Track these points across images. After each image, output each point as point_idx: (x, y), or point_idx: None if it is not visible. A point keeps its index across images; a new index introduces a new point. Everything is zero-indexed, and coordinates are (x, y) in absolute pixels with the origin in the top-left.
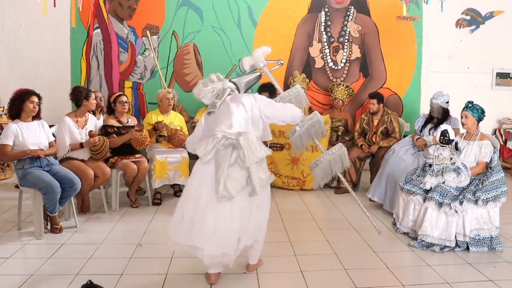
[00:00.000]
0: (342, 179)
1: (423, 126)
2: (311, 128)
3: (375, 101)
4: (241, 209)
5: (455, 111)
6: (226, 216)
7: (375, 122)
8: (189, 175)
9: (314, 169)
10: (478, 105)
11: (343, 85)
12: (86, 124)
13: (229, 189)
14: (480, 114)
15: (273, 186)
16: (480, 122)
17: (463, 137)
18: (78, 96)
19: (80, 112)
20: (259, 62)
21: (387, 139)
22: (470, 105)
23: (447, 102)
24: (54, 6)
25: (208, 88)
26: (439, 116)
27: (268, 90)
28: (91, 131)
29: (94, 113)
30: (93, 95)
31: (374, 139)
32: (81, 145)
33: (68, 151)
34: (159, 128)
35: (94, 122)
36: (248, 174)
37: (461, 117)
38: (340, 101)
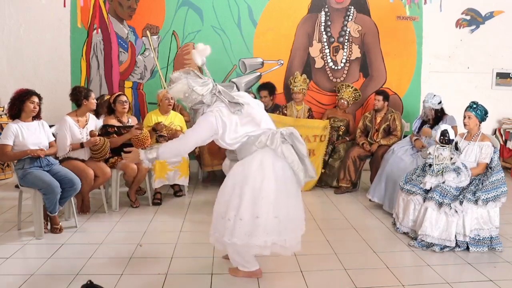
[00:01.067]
0: None
1: (420, 128)
2: None
3: (381, 97)
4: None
5: (455, 111)
6: (297, 204)
7: (378, 120)
8: (189, 175)
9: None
10: (482, 106)
11: (351, 87)
12: (87, 124)
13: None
14: (483, 115)
15: None
16: (482, 123)
17: (463, 137)
18: (78, 96)
19: (81, 112)
20: (198, 58)
21: (387, 137)
22: (474, 105)
23: (439, 103)
24: (64, 6)
25: (205, 86)
26: (431, 118)
27: (268, 88)
28: (92, 130)
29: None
30: (92, 95)
31: (375, 137)
32: (82, 145)
33: (69, 150)
34: (158, 128)
35: (95, 122)
36: (302, 163)
37: (464, 117)
38: (345, 102)
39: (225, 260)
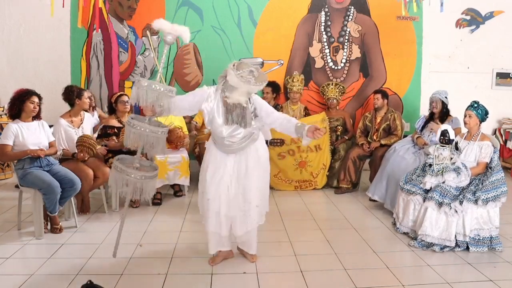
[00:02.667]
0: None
1: (423, 126)
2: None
3: (379, 96)
4: None
5: (455, 111)
6: None
7: (378, 119)
8: (189, 175)
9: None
10: (483, 106)
11: (332, 84)
12: (82, 123)
13: None
14: (483, 115)
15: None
16: (483, 122)
17: (463, 137)
18: (70, 95)
19: (74, 112)
20: (168, 35)
21: (388, 137)
22: (475, 105)
23: (446, 97)
24: (63, 6)
25: None
26: (438, 109)
27: (272, 86)
28: (78, 153)
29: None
30: (85, 94)
31: (375, 137)
32: (73, 155)
33: (60, 155)
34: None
35: (91, 121)
36: None
37: (464, 116)
38: (334, 100)
39: (227, 260)
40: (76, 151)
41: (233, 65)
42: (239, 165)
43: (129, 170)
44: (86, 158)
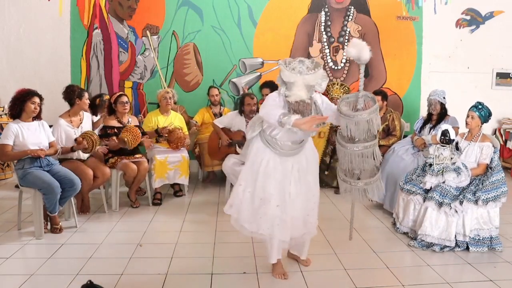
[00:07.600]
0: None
1: (422, 127)
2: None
3: (379, 97)
4: None
5: (455, 111)
6: None
7: None
8: (189, 175)
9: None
10: (487, 108)
11: (337, 84)
12: (81, 123)
13: None
14: (486, 117)
15: None
16: (484, 124)
17: (464, 137)
18: (71, 95)
19: (74, 112)
20: (364, 56)
21: (387, 137)
22: (479, 106)
23: (444, 98)
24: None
25: None
26: (436, 111)
27: (269, 86)
28: (76, 138)
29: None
30: (86, 94)
31: None
32: (72, 149)
33: (59, 154)
34: (162, 133)
35: (90, 120)
36: None
37: (467, 116)
38: (338, 100)
39: (227, 260)
40: (74, 146)
41: (284, 62)
42: (300, 165)
43: (356, 181)
44: (86, 147)
